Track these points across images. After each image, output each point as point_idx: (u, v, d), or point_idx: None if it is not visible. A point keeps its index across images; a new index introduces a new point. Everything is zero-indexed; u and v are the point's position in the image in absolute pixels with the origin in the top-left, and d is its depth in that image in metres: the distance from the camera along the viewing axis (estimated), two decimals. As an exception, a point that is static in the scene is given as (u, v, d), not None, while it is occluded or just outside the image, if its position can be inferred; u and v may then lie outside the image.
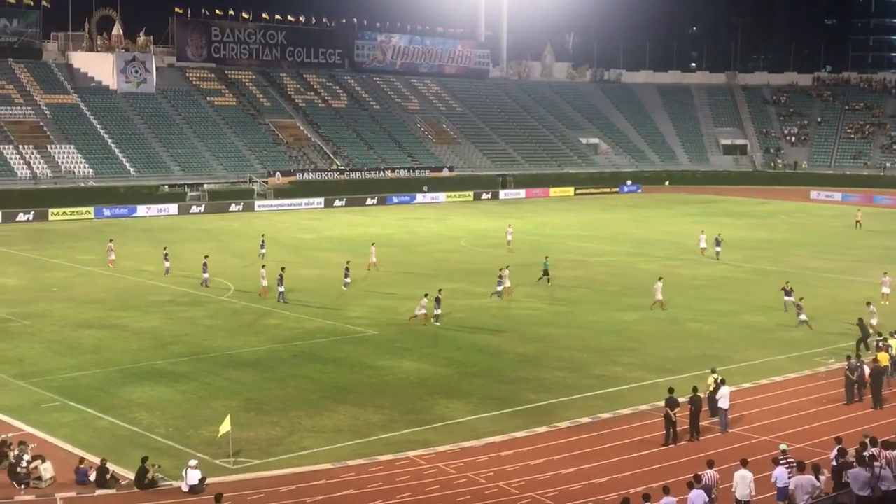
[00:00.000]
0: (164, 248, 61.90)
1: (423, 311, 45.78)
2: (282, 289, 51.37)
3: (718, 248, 67.52)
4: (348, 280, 55.20)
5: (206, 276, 55.56)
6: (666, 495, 23.18)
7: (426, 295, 46.60)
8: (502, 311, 49.74)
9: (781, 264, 66.05)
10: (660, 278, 52.05)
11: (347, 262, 56.63)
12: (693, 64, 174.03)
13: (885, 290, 52.60)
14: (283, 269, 53.18)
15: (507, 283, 52.68)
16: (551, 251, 69.00)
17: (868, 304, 44.91)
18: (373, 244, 64.04)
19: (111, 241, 64.96)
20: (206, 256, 57.73)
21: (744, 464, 24.87)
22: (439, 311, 46.31)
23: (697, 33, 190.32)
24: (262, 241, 66.45)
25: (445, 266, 63.62)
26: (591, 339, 43.83)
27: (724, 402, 31.75)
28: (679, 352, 41.90)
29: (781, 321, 47.82)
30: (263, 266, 55.32)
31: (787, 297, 49.50)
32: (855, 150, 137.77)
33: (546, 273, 56.43)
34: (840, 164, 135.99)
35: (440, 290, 47.57)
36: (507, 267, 54.60)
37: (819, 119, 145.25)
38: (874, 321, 43.10)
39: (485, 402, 34.44)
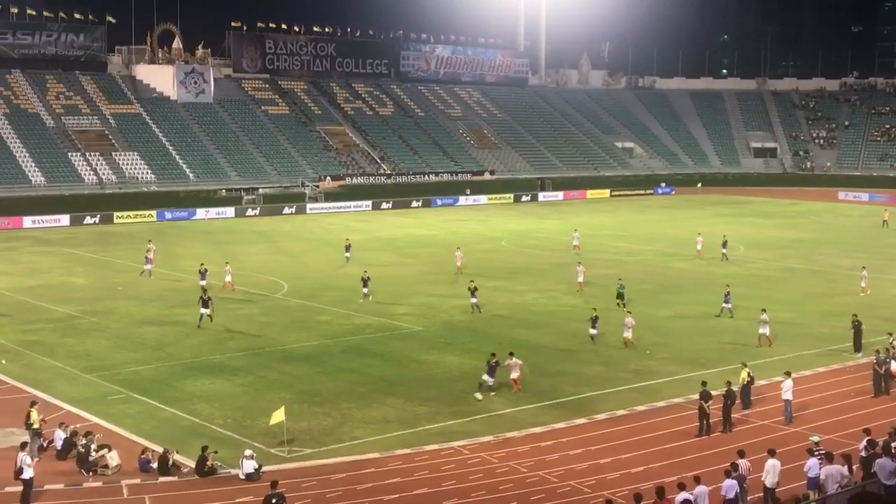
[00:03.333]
0: (149, 242, 60.44)
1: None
2: (206, 311, 44.79)
3: (725, 250, 65.63)
4: (366, 291, 51.02)
5: (203, 283, 51.89)
6: (698, 484, 23.03)
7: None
8: (542, 308, 49.59)
9: (810, 263, 65.30)
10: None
11: (365, 272, 52.57)
12: (724, 70, 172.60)
13: (863, 283, 53.23)
14: (204, 292, 46.97)
15: (581, 279, 54.16)
16: (589, 251, 68.76)
17: (763, 310, 42.48)
18: (458, 249, 62.58)
19: (150, 241, 64.33)
20: (202, 264, 54.38)
21: (772, 453, 24.68)
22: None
23: (728, 41, 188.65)
24: (348, 246, 64.76)
25: (487, 265, 63.48)
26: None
27: (787, 395, 31.51)
28: (712, 347, 41.53)
29: (809, 318, 47.36)
30: (227, 263, 54.94)
31: (725, 304, 47.22)
32: (881, 152, 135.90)
33: (621, 297, 49.80)
34: (867, 165, 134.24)
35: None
36: (580, 263, 56.58)
37: (846, 123, 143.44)
38: (763, 331, 41.45)
39: (525, 395, 34.32)
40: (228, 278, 53.19)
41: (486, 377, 34.28)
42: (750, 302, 51.11)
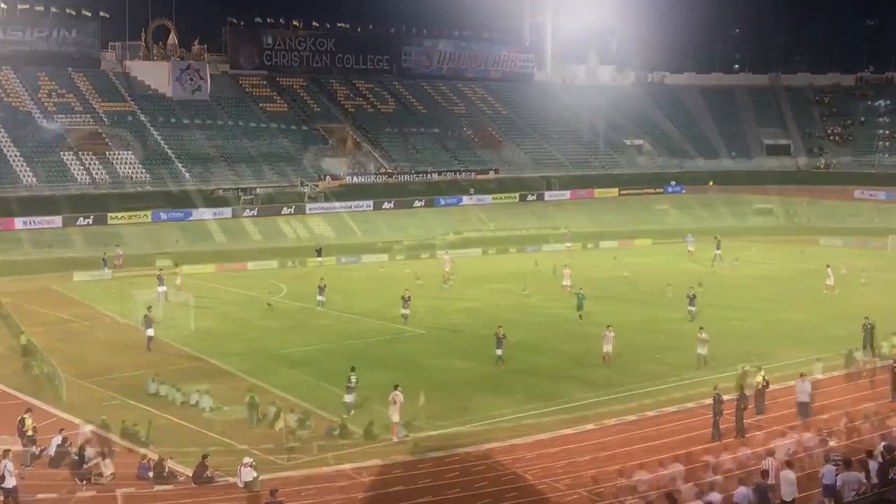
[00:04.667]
0: (117, 246, 60.92)
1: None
2: (150, 331, 42.28)
3: (718, 251, 65.42)
4: (321, 298, 50.79)
5: (161, 289, 51.71)
6: (711, 491, 23.00)
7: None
8: (548, 311, 49.58)
9: (824, 263, 65.15)
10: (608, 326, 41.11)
11: (321, 279, 52.44)
12: (736, 66, 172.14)
13: (829, 281, 53.90)
14: (148, 310, 43.50)
15: (567, 282, 53.97)
16: (596, 252, 68.67)
17: (701, 328, 41.08)
18: (446, 252, 62.29)
19: (118, 246, 64.82)
20: (160, 269, 54.07)
21: (788, 465, 24.56)
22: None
23: (740, 35, 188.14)
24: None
25: (491, 271, 63.48)
26: (636, 337, 43.47)
27: (804, 397, 31.41)
28: (722, 350, 41.37)
29: (824, 319, 47.34)
30: (178, 265, 55.89)
31: (690, 307, 47.27)
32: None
33: (580, 308, 48.26)
34: (883, 162, 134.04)
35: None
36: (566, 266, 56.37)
37: (862, 119, 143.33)
38: (702, 350, 39.80)
39: (531, 400, 34.30)
40: (178, 281, 53.36)
41: (347, 398, 32.55)
42: (764, 304, 51.17)
